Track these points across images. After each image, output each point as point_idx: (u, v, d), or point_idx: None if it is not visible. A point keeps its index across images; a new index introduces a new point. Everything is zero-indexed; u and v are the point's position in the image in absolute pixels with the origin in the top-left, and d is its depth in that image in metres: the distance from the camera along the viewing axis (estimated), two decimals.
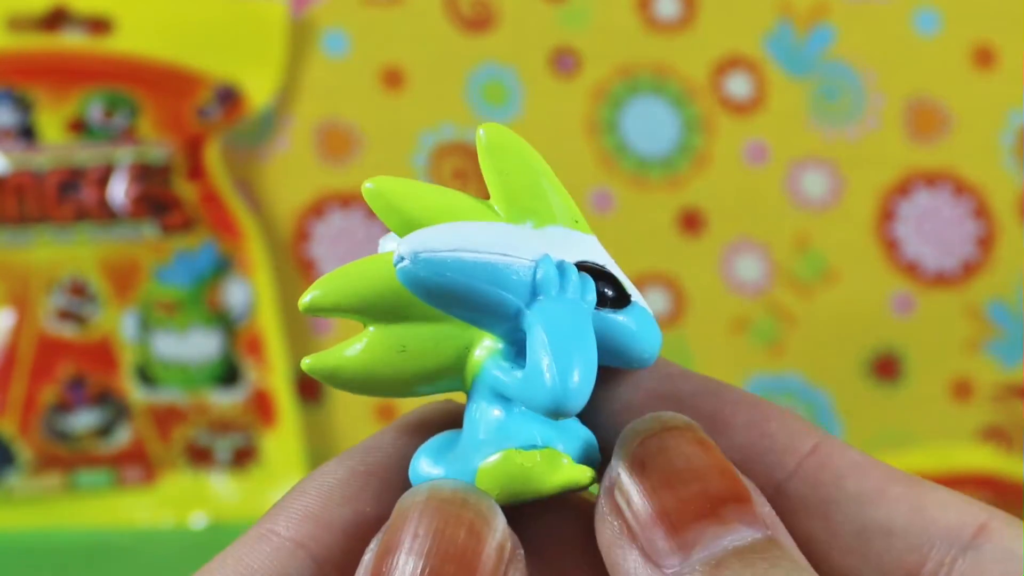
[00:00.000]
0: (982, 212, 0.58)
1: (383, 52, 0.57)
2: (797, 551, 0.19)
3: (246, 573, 0.20)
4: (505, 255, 0.20)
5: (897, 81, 0.58)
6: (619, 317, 0.20)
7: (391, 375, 0.21)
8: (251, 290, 0.58)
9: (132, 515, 0.58)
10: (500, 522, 0.19)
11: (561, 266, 0.20)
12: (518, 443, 0.20)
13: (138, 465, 0.59)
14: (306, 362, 0.21)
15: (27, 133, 0.56)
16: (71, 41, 0.57)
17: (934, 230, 0.58)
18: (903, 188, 0.58)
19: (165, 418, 0.58)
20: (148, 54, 0.57)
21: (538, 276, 0.20)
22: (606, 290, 0.20)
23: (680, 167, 0.58)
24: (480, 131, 0.21)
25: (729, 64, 0.58)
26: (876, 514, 0.20)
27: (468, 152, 0.57)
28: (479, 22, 0.56)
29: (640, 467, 0.19)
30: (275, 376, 0.58)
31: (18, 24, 0.56)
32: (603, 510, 0.19)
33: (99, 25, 0.57)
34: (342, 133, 0.58)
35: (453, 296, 0.20)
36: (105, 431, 0.58)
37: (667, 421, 0.20)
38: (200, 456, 0.59)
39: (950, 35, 0.58)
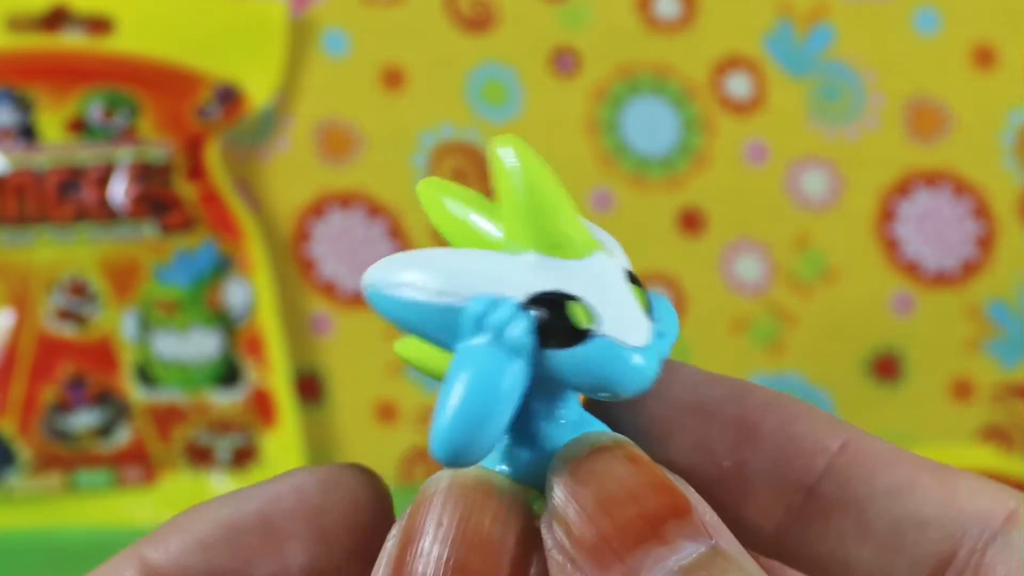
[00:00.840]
0: (982, 212, 0.58)
1: (383, 52, 0.57)
2: (744, 555, 0.19)
3: None
4: (442, 293, 0.20)
5: (897, 81, 0.58)
6: (571, 352, 0.19)
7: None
8: (251, 290, 0.58)
9: (132, 515, 0.58)
10: (525, 510, 0.19)
11: (493, 304, 0.19)
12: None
13: (138, 465, 0.59)
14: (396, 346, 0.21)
15: (27, 133, 0.56)
16: (71, 41, 0.57)
17: (934, 230, 0.58)
18: (903, 188, 0.58)
19: (165, 418, 0.58)
20: (148, 54, 0.57)
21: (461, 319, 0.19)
22: (562, 322, 0.19)
23: (680, 167, 0.58)
24: (497, 149, 0.20)
25: (729, 64, 0.58)
26: (909, 506, 0.20)
27: (468, 152, 0.57)
28: (479, 22, 0.56)
29: (574, 495, 0.19)
30: (275, 376, 0.58)
31: (18, 24, 0.56)
32: (547, 544, 0.19)
33: (99, 25, 0.57)
34: (342, 133, 0.58)
35: (405, 329, 0.20)
36: (105, 431, 0.58)
37: (596, 442, 0.19)
38: (200, 456, 0.59)
39: (950, 35, 0.58)
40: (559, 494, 0.19)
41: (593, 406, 0.21)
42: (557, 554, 0.18)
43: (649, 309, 0.20)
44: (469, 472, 0.19)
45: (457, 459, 0.19)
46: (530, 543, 0.19)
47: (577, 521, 0.18)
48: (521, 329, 0.19)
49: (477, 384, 0.19)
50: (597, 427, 0.20)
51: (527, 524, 0.19)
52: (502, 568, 0.18)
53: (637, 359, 0.19)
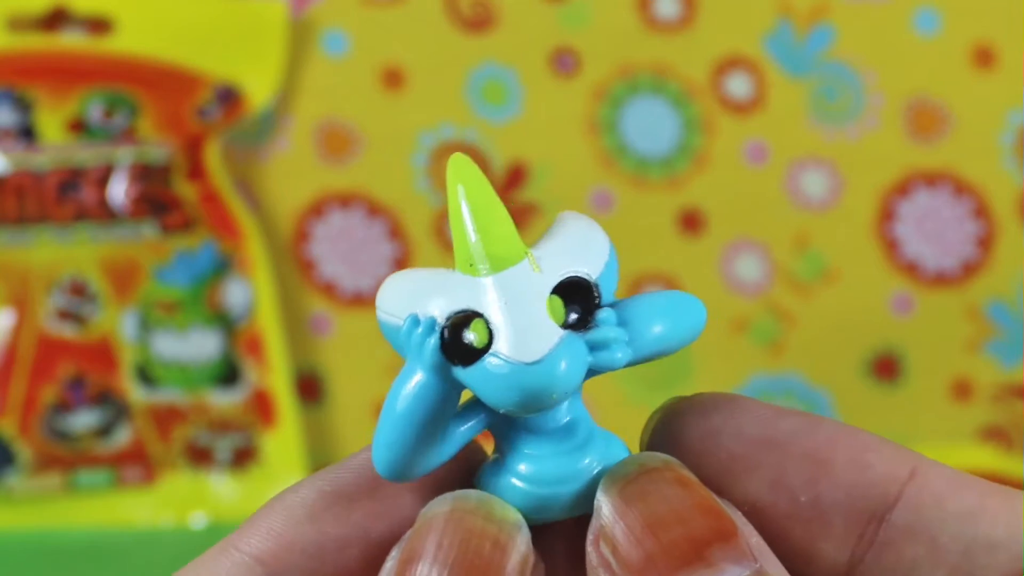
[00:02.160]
0: (982, 212, 0.58)
1: (383, 52, 0.57)
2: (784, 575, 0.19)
3: None
4: (392, 315, 0.21)
5: (897, 81, 0.58)
6: (468, 370, 0.20)
7: None
8: (251, 290, 0.58)
9: (132, 515, 0.58)
10: (524, 536, 0.19)
11: (415, 324, 0.20)
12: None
13: (138, 465, 0.59)
14: None
15: (27, 133, 0.56)
16: (71, 41, 0.57)
17: (934, 230, 0.58)
18: (903, 188, 0.58)
19: (165, 418, 0.58)
20: (148, 54, 0.57)
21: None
22: (463, 341, 0.20)
23: (680, 167, 0.58)
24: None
25: (729, 64, 0.58)
26: (979, 530, 0.20)
27: (468, 152, 0.57)
28: (479, 22, 0.56)
29: (622, 515, 0.19)
30: (275, 376, 0.58)
31: (18, 24, 0.56)
32: (591, 562, 0.19)
33: (99, 25, 0.57)
34: (342, 133, 0.58)
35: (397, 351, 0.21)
36: (105, 431, 0.58)
37: (645, 463, 0.19)
38: (200, 456, 0.59)
39: (950, 35, 0.58)
40: (607, 513, 0.19)
41: (668, 440, 0.21)
42: (604, 573, 0.19)
43: (569, 320, 0.20)
44: (471, 496, 0.20)
45: (390, 473, 0.20)
46: (527, 570, 0.19)
47: (624, 541, 0.18)
48: (430, 348, 0.20)
49: (391, 400, 0.20)
50: (611, 446, 0.21)
51: (527, 551, 0.19)
52: None
53: (512, 376, 0.20)
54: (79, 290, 0.58)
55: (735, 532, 0.19)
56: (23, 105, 0.56)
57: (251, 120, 0.57)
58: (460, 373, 0.20)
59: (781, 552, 0.20)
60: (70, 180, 0.56)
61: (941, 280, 0.58)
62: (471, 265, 0.20)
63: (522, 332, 0.20)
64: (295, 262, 0.59)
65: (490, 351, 0.20)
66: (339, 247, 0.59)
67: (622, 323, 0.20)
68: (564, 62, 0.57)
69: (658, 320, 0.21)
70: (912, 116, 0.58)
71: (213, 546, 0.21)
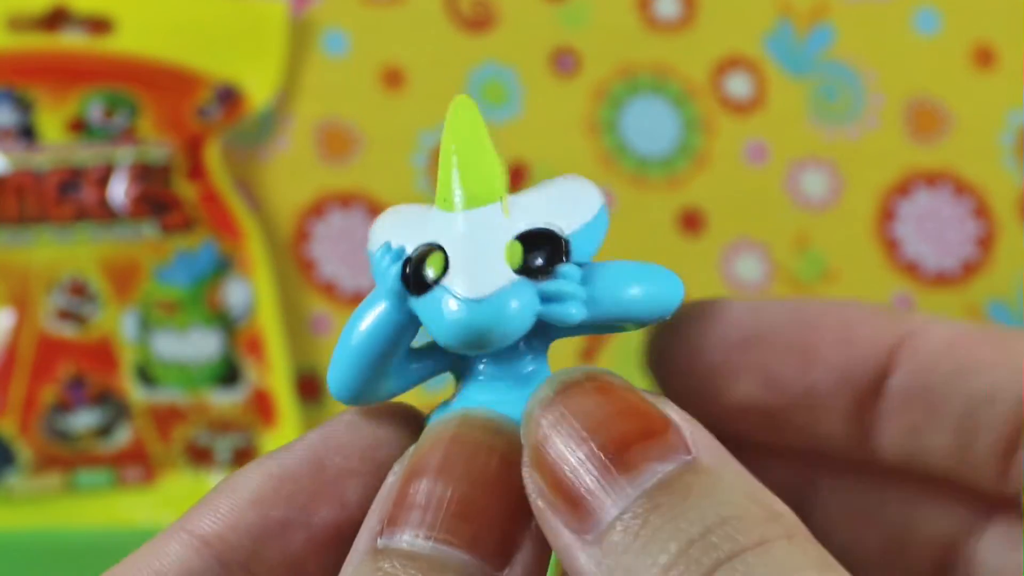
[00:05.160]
0: (982, 212, 0.58)
1: (383, 52, 0.57)
2: (728, 466, 0.18)
3: (155, 570, 0.21)
4: (372, 245, 0.21)
5: (897, 81, 0.58)
6: (418, 300, 0.20)
7: None
8: (251, 290, 0.58)
9: (132, 515, 0.58)
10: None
11: (384, 253, 0.21)
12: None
13: (138, 465, 0.59)
14: None
15: (27, 133, 0.56)
16: (71, 41, 0.57)
17: (934, 230, 0.58)
18: (903, 188, 0.58)
19: (165, 418, 0.58)
20: (148, 54, 0.57)
21: None
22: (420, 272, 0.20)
23: (680, 167, 0.58)
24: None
25: (729, 64, 0.58)
26: (976, 387, 0.20)
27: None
28: (479, 22, 0.56)
29: (544, 439, 0.18)
30: (275, 376, 0.58)
31: (18, 24, 0.56)
32: (528, 489, 0.19)
33: (99, 25, 0.57)
34: (342, 133, 0.58)
35: None
36: (105, 431, 0.58)
37: (564, 380, 0.19)
38: (200, 456, 0.59)
39: (950, 35, 0.58)
40: (530, 439, 0.19)
41: (658, 360, 0.21)
42: (539, 500, 0.18)
43: (531, 266, 0.20)
44: (478, 413, 0.19)
45: (340, 394, 0.21)
46: None
47: (550, 464, 0.18)
48: (391, 275, 0.20)
49: (351, 322, 0.21)
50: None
51: None
52: (507, 506, 0.18)
53: (454, 310, 0.20)
54: (79, 290, 0.58)
55: (662, 428, 0.18)
56: (23, 105, 0.56)
57: (251, 120, 0.57)
58: (414, 303, 0.20)
59: (788, 438, 0.20)
60: (70, 180, 0.56)
61: (941, 280, 0.58)
62: (446, 200, 0.21)
63: (472, 269, 0.20)
64: (295, 262, 0.59)
65: (440, 284, 0.20)
66: (339, 247, 0.59)
67: (587, 282, 0.20)
68: (564, 62, 0.57)
69: (624, 285, 0.21)
70: (912, 116, 0.58)
71: (162, 531, 0.21)
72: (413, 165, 0.58)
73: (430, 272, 0.20)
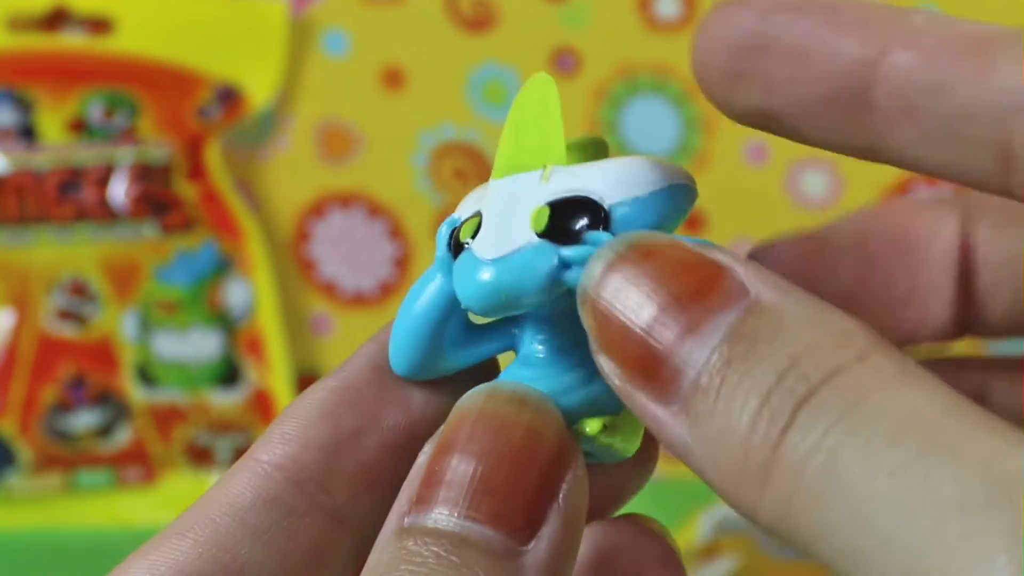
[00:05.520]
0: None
1: (383, 52, 0.57)
2: (789, 294, 0.18)
3: (230, 502, 0.20)
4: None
5: None
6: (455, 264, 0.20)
7: None
8: (251, 290, 0.58)
9: (132, 515, 0.58)
10: (558, 425, 0.19)
11: (446, 224, 0.21)
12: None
13: (138, 465, 0.59)
14: None
15: (27, 133, 0.56)
16: (71, 41, 0.57)
17: None
18: (903, 188, 0.58)
19: (165, 418, 0.58)
20: (148, 54, 0.57)
21: None
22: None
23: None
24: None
25: None
26: (952, 102, 0.19)
27: (468, 152, 0.57)
28: (479, 22, 0.56)
29: (607, 320, 0.18)
30: (275, 376, 0.58)
31: (18, 24, 0.56)
32: (604, 373, 0.19)
33: (99, 25, 0.57)
34: (342, 133, 0.58)
35: None
36: (105, 431, 0.59)
37: (606, 259, 0.19)
38: (200, 456, 0.59)
39: None
40: (592, 325, 0.18)
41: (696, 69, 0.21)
42: (615, 381, 0.18)
43: (550, 228, 0.20)
44: (504, 387, 0.19)
45: (399, 367, 0.21)
46: (563, 459, 0.19)
47: (619, 343, 0.18)
48: (439, 244, 0.21)
49: (407, 297, 0.21)
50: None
51: (560, 440, 0.19)
52: (532, 480, 0.18)
53: (472, 270, 0.20)
54: (79, 290, 0.58)
55: (717, 276, 0.18)
56: (23, 105, 0.56)
57: (251, 120, 0.57)
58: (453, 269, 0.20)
59: (806, 138, 0.20)
60: (70, 180, 0.56)
61: None
62: (497, 169, 0.21)
63: (493, 230, 0.20)
64: (295, 262, 0.59)
65: (467, 247, 0.20)
66: (339, 247, 0.59)
67: None
68: (564, 62, 0.57)
69: None
70: None
71: (235, 464, 0.21)
72: (413, 165, 0.58)
73: (466, 238, 0.20)
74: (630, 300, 0.18)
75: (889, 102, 0.19)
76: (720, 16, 0.21)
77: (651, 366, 0.18)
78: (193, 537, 0.20)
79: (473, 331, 0.21)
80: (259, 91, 0.57)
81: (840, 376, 0.16)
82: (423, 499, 0.18)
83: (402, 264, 0.59)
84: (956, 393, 0.16)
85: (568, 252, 0.19)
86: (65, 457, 0.58)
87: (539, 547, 0.18)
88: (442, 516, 0.18)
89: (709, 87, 0.21)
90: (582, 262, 0.19)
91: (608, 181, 0.20)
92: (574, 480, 0.19)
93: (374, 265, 0.59)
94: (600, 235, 0.19)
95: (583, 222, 0.20)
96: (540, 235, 0.20)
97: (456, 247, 0.20)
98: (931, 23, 0.19)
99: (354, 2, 0.57)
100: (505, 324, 0.21)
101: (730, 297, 0.17)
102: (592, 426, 0.20)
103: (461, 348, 0.21)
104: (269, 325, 0.58)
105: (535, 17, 0.56)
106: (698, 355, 0.17)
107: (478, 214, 0.20)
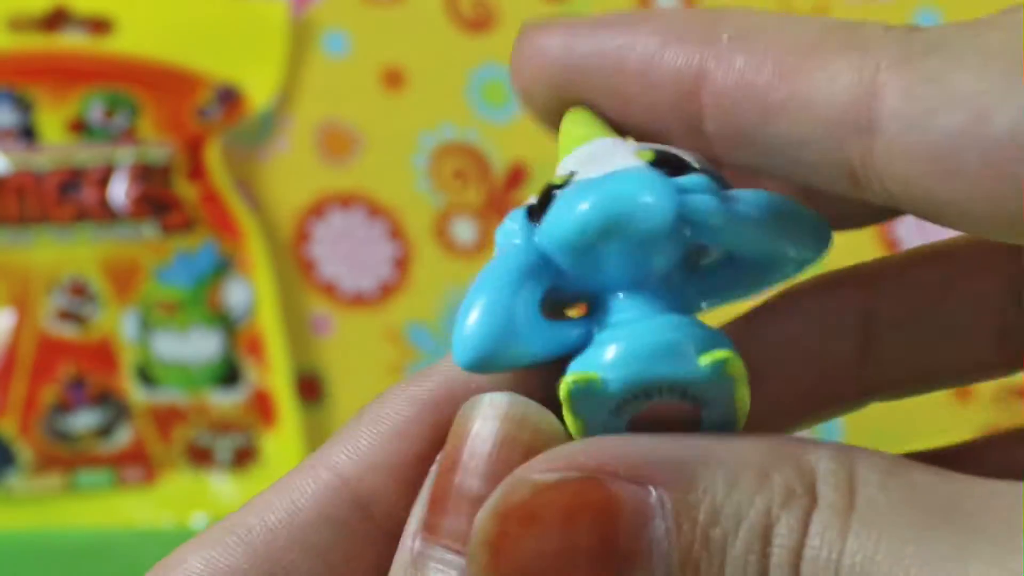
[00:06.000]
0: None
1: (383, 52, 0.57)
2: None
3: (291, 511, 0.20)
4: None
5: None
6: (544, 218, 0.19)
7: None
8: (251, 290, 0.58)
9: (132, 515, 0.58)
10: (558, 441, 0.18)
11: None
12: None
13: (138, 465, 0.59)
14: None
15: (27, 133, 0.56)
16: (71, 41, 0.57)
17: (934, 229, 0.58)
18: None
19: (165, 418, 0.58)
20: (148, 54, 0.57)
21: None
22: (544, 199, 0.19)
23: None
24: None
25: None
26: (779, 131, 0.18)
27: (468, 152, 0.57)
28: (479, 22, 0.56)
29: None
30: (275, 376, 0.58)
31: (18, 24, 0.56)
32: None
33: (99, 25, 0.57)
34: (342, 133, 0.58)
35: None
36: (105, 431, 0.58)
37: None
38: (200, 456, 0.59)
39: None
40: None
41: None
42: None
43: (659, 162, 0.18)
44: (502, 401, 0.18)
45: (466, 355, 0.19)
46: None
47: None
48: (519, 213, 0.19)
49: (474, 282, 0.19)
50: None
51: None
52: None
53: (575, 193, 0.18)
54: (79, 290, 0.58)
55: (616, 513, 0.17)
56: (23, 105, 0.56)
57: (251, 120, 0.57)
58: (538, 233, 0.18)
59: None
60: (70, 180, 0.56)
61: None
62: (566, 149, 0.20)
63: (597, 166, 0.18)
64: (295, 262, 0.59)
65: (561, 190, 0.18)
66: (339, 247, 0.59)
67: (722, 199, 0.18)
68: None
69: (764, 206, 0.18)
70: None
71: (299, 465, 0.20)
72: (413, 165, 0.58)
73: (552, 183, 0.19)
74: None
75: (722, 134, 0.19)
76: (529, 43, 0.20)
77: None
78: (249, 542, 0.20)
79: (547, 318, 0.19)
80: (259, 91, 0.57)
81: None
82: (430, 527, 0.18)
83: (402, 264, 0.59)
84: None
85: (681, 180, 0.18)
86: (65, 457, 0.58)
87: None
88: (448, 552, 0.18)
89: (538, 115, 0.20)
90: (701, 189, 0.18)
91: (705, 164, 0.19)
92: None
93: (374, 265, 0.59)
94: (702, 178, 0.18)
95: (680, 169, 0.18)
96: (652, 164, 0.18)
97: (541, 205, 0.18)
98: (741, 40, 0.18)
99: (354, 2, 0.56)
100: (580, 318, 0.19)
101: (641, 505, 0.17)
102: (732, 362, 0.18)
103: (534, 333, 0.19)
104: (269, 325, 0.58)
105: (535, 17, 0.56)
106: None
107: (570, 174, 0.19)
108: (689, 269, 0.19)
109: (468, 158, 0.58)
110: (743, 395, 0.18)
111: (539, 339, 0.19)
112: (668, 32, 0.19)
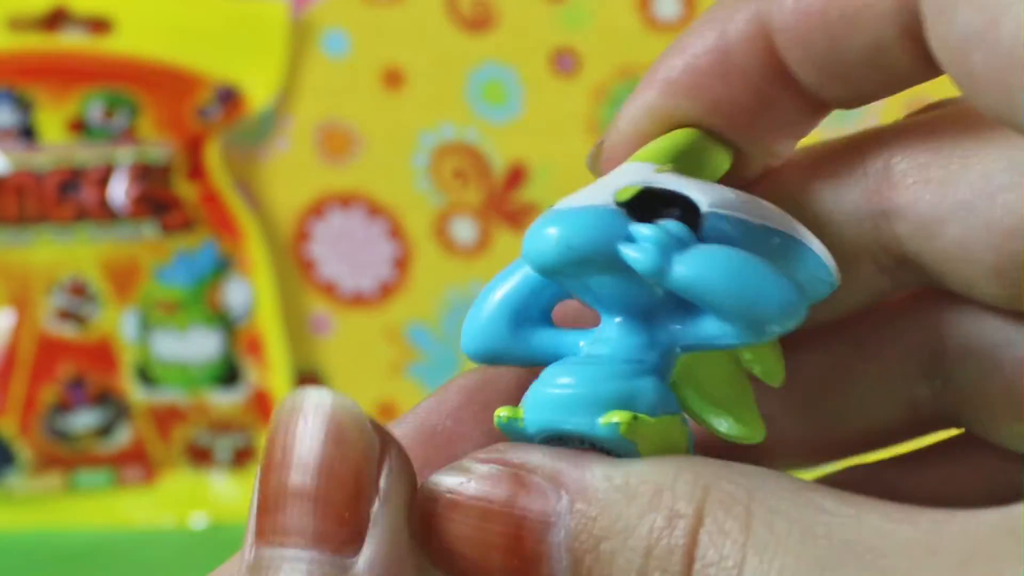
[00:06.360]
0: None
1: (383, 52, 0.57)
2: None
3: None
4: None
5: None
6: None
7: None
8: (251, 290, 0.58)
9: (132, 515, 0.58)
10: (359, 420, 0.19)
11: None
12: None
13: (138, 465, 0.59)
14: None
15: (27, 133, 0.56)
16: (71, 41, 0.57)
17: None
18: None
19: (165, 418, 0.58)
20: (148, 54, 0.57)
21: None
22: None
23: None
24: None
25: None
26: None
27: (468, 152, 0.57)
28: (479, 22, 0.56)
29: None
30: (275, 376, 0.58)
31: (18, 24, 0.56)
32: None
33: (99, 25, 0.57)
34: (342, 133, 0.58)
35: None
36: (105, 431, 0.58)
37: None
38: (200, 456, 0.59)
39: None
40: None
41: None
42: None
43: (634, 205, 0.19)
44: (308, 395, 0.19)
45: (470, 343, 0.20)
46: (371, 454, 0.18)
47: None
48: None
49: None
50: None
51: (365, 436, 0.19)
52: (343, 489, 0.18)
53: (540, 221, 0.19)
54: (79, 290, 0.58)
55: (521, 521, 0.18)
56: (23, 105, 0.56)
57: (251, 120, 0.57)
58: None
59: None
60: (70, 180, 0.56)
61: None
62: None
63: (581, 195, 0.19)
64: (295, 262, 0.59)
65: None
66: (339, 247, 0.59)
67: (689, 250, 0.19)
68: (564, 62, 0.57)
69: (721, 265, 0.19)
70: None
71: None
72: (413, 165, 0.58)
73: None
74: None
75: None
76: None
77: None
78: None
79: (550, 324, 0.20)
80: (259, 91, 0.57)
81: None
82: (258, 530, 0.18)
83: (402, 264, 0.59)
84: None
85: (636, 227, 0.19)
86: (65, 457, 0.58)
87: (369, 552, 0.18)
88: (271, 547, 0.18)
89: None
90: (644, 242, 0.18)
91: (724, 196, 0.19)
92: (392, 473, 0.18)
93: (374, 265, 0.59)
94: (672, 224, 0.19)
95: (671, 214, 0.19)
96: (619, 204, 0.19)
97: None
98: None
99: (354, 2, 0.57)
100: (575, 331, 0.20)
101: (547, 509, 0.18)
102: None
103: (535, 336, 0.20)
104: (269, 325, 0.58)
105: (535, 17, 0.56)
106: None
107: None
108: (681, 308, 0.19)
109: (468, 158, 0.58)
110: (651, 451, 0.19)
111: (538, 342, 0.20)
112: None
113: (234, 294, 0.58)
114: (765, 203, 0.20)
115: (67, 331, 0.58)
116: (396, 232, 0.59)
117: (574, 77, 0.57)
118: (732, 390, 0.21)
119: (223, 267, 0.57)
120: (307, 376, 0.60)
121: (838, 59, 0.19)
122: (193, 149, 0.57)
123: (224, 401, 0.58)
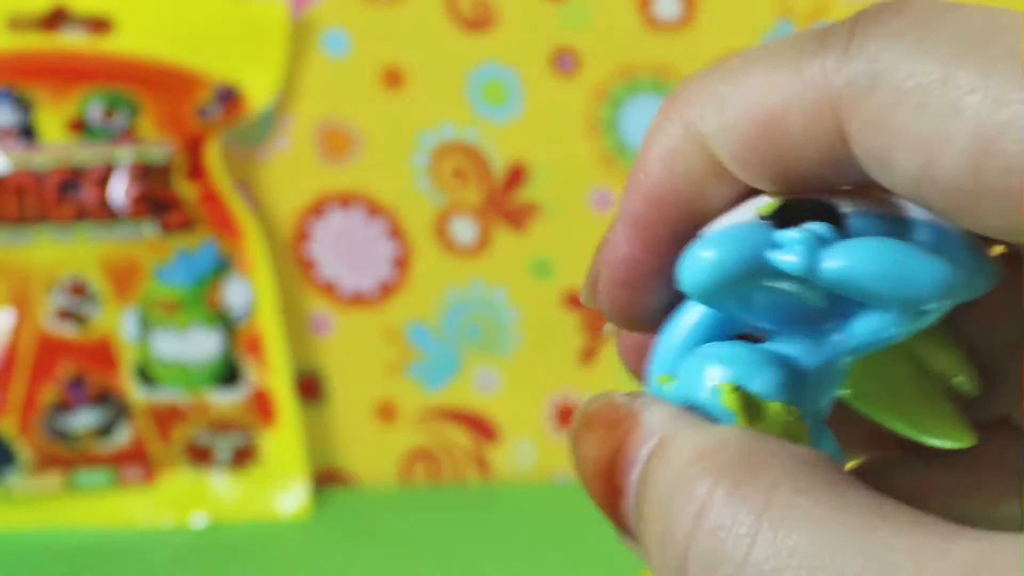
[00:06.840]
0: None
1: (383, 52, 0.57)
2: (674, 432, 0.19)
3: None
4: None
5: None
6: None
7: None
8: (251, 290, 0.58)
9: (132, 515, 0.58)
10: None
11: None
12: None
13: (138, 465, 0.59)
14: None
15: (27, 133, 0.56)
16: (71, 41, 0.57)
17: None
18: None
19: (165, 418, 0.58)
20: (148, 54, 0.57)
21: None
22: None
23: None
24: None
25: None
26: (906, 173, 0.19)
27: (468, 152, 0.57)
28: (479, 22, 0.56)
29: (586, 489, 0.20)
30: (275, 376, 0.58)
31: (18, 24, 0.56)
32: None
33: (99, 25, 0.57)
34: (342, 133, 0.58)
35: None
36: (105, 431, 0.59)
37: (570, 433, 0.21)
38: (200, 456, 0.59)
39: None
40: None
41: None
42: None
43: (779, 217, 0.19)
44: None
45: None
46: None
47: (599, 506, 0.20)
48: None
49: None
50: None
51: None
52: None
53: (690, 249, 0.19)
54: (79, 290, 0.58)
55: (628, 431, 0.19)
56: (23, 105, 0.56)
57: (251, 120, 0.57)
58: None
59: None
60: (70, 180, 0.56)
61: None
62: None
63: (726, 218, 0.20)
64: (295, 262, 0.59)
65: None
66: (339, 247, 0.59)
67: (835, 246, 0.19)
68: (564, 62, 0.57)
69: (871, 253, 0.19)
70: None
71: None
72: (413, 165, 0.58)
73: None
74: (583, 479, 0.20)
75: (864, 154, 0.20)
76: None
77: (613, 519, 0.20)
78: None
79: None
80: (259, 91, 0.57)
81: (701, 525, 0.17)
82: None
83: (402, 264, 0.59)
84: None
85: (781, 233, 0.19)
86: (65, 457, 0.58)
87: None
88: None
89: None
90: (792, 244, 0.19)
91: (865, 200, 0.20)
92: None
93: (374, 265, 0.59)
94: (817, 225, 0.19)
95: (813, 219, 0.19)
96: (763, 218, 0.19)
97: None
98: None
99: (354, 2, 0.57)
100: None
101: (637, 448, 0.19)
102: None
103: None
104: (269, 325, 0.58)
105: (535, 17, 0.56)
106: (628, 513, 0.19)
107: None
108: (841, 318, 0.20)
109: (467, 158, 0.58)
110: (747, 424, 0.19)
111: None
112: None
113: (234, 294, 0.58)
114: (910, 204, 0.20)
115: (67, 331, 0.58)
116: (396, 232, 0.59)
117: (574, 77, 0.57)
118: (919, 400, 0.21)
119: (223, 267, 0.57)
120: (307, 376, 0.60)
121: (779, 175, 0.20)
122: (193, 149, 0.57)
123: (224, 401, 0.58)
